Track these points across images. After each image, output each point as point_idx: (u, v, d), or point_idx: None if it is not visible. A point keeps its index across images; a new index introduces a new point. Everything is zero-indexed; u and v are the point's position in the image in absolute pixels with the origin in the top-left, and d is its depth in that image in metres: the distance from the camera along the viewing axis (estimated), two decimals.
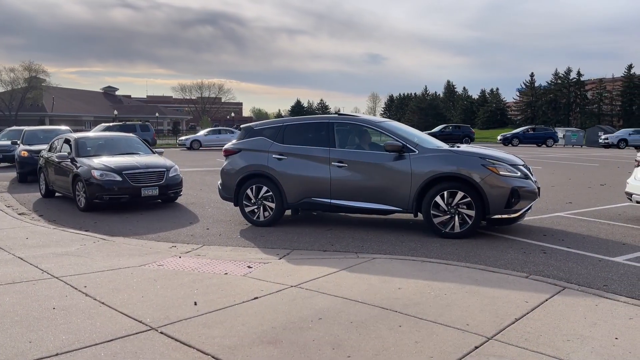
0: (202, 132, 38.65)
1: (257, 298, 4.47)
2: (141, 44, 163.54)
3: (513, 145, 40.74)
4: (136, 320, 3.97)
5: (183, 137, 39.20)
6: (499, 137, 44.00)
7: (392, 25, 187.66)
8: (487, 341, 3.55)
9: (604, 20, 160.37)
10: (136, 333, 3.72)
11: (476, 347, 3.45)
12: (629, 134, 40.24)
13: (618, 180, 14.74)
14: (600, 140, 41.04)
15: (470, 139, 41.80)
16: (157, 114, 72.78)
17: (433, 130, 43.77)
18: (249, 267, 5.53)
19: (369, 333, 3.69)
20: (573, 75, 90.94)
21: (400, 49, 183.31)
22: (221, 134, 36.49)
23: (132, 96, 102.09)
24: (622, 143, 39.02)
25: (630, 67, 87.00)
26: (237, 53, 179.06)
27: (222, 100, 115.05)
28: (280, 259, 5.95)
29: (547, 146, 40.58)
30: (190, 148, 34.51)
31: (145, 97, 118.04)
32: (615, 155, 28.48)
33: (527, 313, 4.07)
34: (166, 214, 9.05)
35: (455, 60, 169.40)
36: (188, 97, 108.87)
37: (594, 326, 3.82)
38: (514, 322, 3.88)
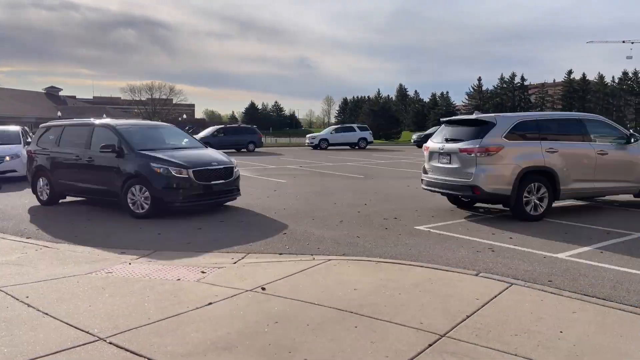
0: None
1: (211, 304, 4.38)
2: (64, 45, 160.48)
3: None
4: (83, 330, 3.80)
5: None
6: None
7: (313, 31, 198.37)
8: (441, 339, 3.63)
9: (512, 28, 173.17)
10: (83, 344, 3.56)
11: (430, 345, 3.51)
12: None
13: None
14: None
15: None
16: (104, 115, 70.29)
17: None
18: (202, 272, 5.41)
19: (326, 335, 3.69)
20: (517, 79, 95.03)
21: (325, 53, 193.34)
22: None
23: (77, 97, 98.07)
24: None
25: (570, 72, 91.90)
26: (164, 55, 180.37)
27: (174, 101, 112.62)
28: (235, 263, 5.86)
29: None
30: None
31: (92, 97, 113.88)
32: None
33: (478, 310, 4.19)
34: (114, 219, 8.73)
35: (382, 65, 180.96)
36: (137, 99, 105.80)
37: (540, 320, 3.98)
38: (465, 319, 3.98)
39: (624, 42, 78.95)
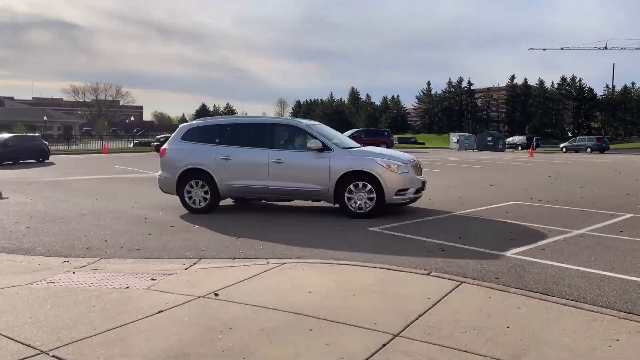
0: None
1: (162, 311, 4.25)
2: None
3: None
4: (24, 344, 3.59)
5: None
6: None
7: (231, 34, 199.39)
8: (394, 338, 3.68)
9: (422, 34, 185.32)
10: (24, 358, 3.36)
11: (384, 345, 3.56)
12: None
13: (504, 181, 16.15)
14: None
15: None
16: (45, 118, 67.10)
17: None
18: (152, 279, 5.25)
19: (280, 339, 3.66)
20: (464, 84, 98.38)
21: (249, 56, 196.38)
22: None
23: (15, 98, 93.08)
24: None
25: (513, 77, 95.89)
26: (86, 57, 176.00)
27: (121, 103, 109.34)
28: (187, 269, 5.72)
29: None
30: None
31: (31, 99, 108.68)
32: (502, 158, 31.17)
33: (430, 308, 4.29)
34: (57, 226, 8.34)
35: (309, 68, 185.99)
36: (82, 100, 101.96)
37: (488, 317, 4.11)
38: (417, 318, 4.06)
39: (562, 49, 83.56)
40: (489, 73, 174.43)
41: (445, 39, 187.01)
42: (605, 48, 71.20)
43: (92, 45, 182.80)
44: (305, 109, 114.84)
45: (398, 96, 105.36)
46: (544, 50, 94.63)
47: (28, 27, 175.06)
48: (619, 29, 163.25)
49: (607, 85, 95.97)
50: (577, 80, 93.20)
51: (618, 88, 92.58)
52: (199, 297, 4.62)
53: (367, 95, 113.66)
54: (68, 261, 6.15)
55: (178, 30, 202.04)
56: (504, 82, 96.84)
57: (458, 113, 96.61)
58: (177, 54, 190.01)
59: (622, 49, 69.58)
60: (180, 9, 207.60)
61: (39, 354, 3.45)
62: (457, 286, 4.91)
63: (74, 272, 5.58)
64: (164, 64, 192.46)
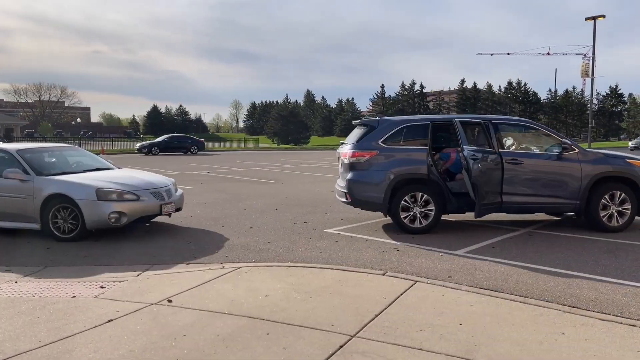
0: None
1: (111, 320, 4.09)
2: None
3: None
4: None
5: None
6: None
7: (148, 35, 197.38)
8: (351, 339, 3.70)
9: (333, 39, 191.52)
10: None
11: (341, 346, 3.57)
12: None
13: None
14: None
15: None
16: None
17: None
18: (101, 287, 5.05)
19: (237, 345, 3.61)
20: (417, 87, 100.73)
21: (173, 57, 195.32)
22: None
23: None
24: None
25: (463, 81, 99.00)
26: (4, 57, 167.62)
27: (66, 104, 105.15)
28: (138, 275, 5.54)
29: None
30: None
31: None
32: None
33: (385, 308, 4.34)
34: None
35: (234, 69, 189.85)
36: (23, 101, 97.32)
37: (442, 315, 4.20)
38: (374, 318, 4.10)
39: (508, 54, 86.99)
40: (422, 75, 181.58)
41: (363, 43, 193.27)
42: (549, 54, 74.69)
43: (10, 47, 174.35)
44: (260, 111, 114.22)
45: (353, 99, 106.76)
46: (492, 55, 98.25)
47: None
48: (557, 36, 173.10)
49: (550, 90, 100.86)
50: (522, 85, 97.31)
51: (560, 92, 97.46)
52: (152, 304, 4.48)
53: (322, 97, 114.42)
54: (9, 270, 5.83)
55: (96, 30, 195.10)
56: (426, 87, 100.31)
57: (411, 115, 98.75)
58: (102, 54, 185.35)
59: (563, 54, 73.12)
60: (92, 10, 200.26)
61: None
62: (412, 285, 4.99)
63: (16, 282, 5.29)
64: (90, 65, 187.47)
